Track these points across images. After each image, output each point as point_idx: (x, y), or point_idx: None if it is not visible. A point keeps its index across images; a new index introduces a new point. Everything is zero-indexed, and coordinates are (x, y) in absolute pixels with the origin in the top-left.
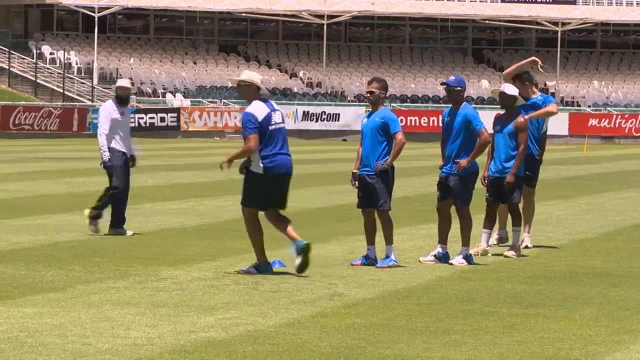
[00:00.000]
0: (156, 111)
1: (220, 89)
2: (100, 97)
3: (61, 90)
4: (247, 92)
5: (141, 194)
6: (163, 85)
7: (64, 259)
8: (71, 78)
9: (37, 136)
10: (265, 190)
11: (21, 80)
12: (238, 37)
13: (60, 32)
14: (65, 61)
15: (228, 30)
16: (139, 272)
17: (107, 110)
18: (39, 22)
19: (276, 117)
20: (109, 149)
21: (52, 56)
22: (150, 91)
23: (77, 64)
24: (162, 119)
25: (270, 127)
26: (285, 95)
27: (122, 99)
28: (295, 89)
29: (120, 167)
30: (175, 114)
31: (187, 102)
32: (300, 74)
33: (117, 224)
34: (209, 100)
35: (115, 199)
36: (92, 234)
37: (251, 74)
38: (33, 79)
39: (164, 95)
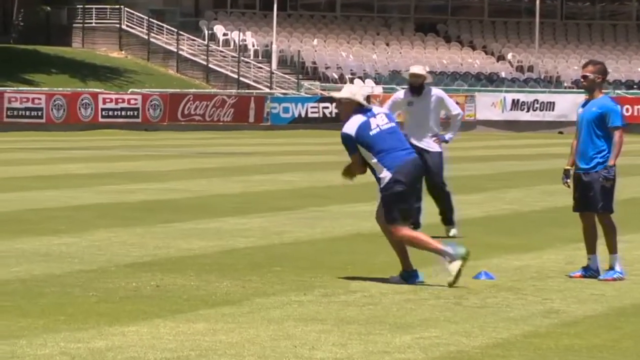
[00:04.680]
0: None
1: None
2: (279, 84)
3: (236, 76)
4: (346, 109)
5: (327, 194)
6: (351, 70)
7: (239, 268)
8: (247, 62)
9: (208, 128)
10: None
11: (191, 64)
12: (437, 15)
13: (235, 9)
14: (241, 43)
15: (426, 6)
16: (325, 283)
17: (395, 98)
18: None
19: (378, 121)
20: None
21: (225, 37)
22: (337, 77)
23: (253, 45)
24: None
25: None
26: (491, 80)
27: (414, 88)
28: (503, 74)
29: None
30: None
31: (378, 89)
32: (509, 56)
33: (445, 221)
34: (404, 87)
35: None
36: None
37: (352, 90)
38: (204, 63)
39: (352, 82)
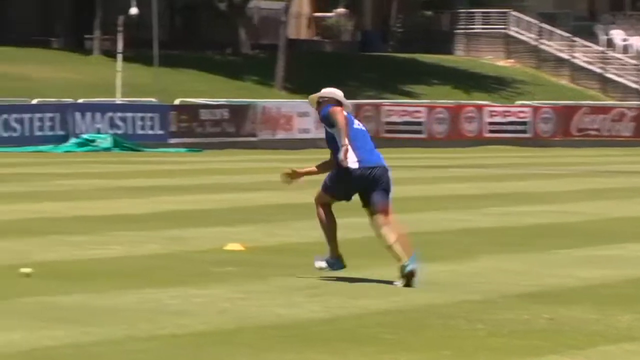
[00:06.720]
0: None
1: None
2: None
3: (636, 86)
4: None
5: None
6: None
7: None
8: None
9: (606, 144)
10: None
11: (585, 73)
12: None
13: (635, 12)
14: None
15: None
16: None
17: None
18: (607, 1)
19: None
20: None
21: (624, 43)
22: None
23: None
24: None
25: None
26: None
27: None
28: None
29: None
30: None
31: None
32: None
33: None
34: None
35: None
36: None
37: (331, 90)
38: (600, 72)
39: None
